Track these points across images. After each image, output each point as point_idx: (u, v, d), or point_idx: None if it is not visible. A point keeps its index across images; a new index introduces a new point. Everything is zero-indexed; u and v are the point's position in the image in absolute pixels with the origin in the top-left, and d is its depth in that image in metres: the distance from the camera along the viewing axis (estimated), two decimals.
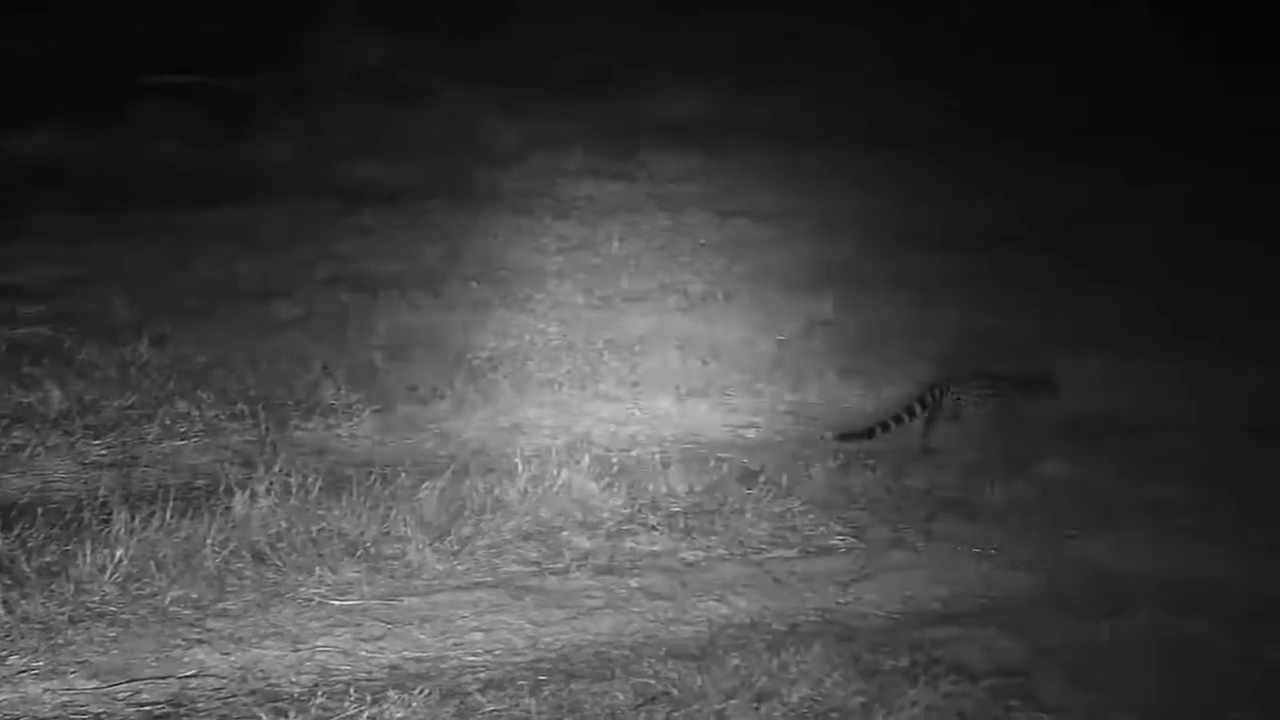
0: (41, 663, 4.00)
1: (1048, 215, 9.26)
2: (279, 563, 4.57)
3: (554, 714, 3.89)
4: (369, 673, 4.06)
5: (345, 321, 6.90)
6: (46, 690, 3.88)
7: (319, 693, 3.92)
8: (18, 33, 11.18)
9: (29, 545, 4.50)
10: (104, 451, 5.38)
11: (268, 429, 5.58)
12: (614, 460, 5.41)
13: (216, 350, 6.33)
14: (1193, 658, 4.34)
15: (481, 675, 4.07)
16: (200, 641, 4.16)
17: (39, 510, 4.71)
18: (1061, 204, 9.54)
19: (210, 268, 7.63)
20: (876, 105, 11.70)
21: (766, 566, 4.83)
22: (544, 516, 4.98)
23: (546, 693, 3.97)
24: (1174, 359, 6.81)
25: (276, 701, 3.88)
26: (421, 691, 3.92)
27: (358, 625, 4.30)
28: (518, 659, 4.18)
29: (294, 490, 4.89)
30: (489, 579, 4.63)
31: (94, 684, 3.93)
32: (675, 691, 3.99)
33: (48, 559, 4.46)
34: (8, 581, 4.33)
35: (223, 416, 5.70)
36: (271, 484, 4.90)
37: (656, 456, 5.50)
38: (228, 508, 4.77)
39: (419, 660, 4.14)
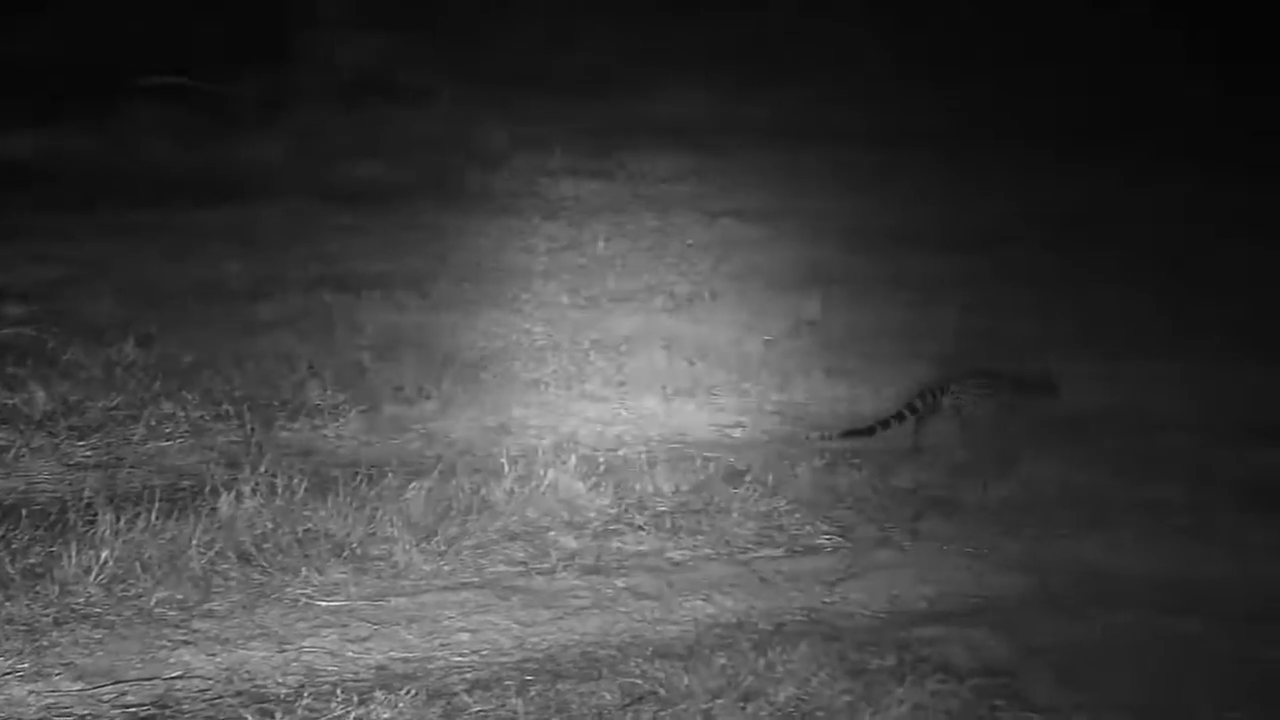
0: (26, 665, 3.99)
1: (1047, 215, 9.27)
2: (265, 563, 4.56)
3: (541, 714, 3.89)
4: (355, 673, 4.05)
5: (332, 322, 6.89)
6: (31, 692, 3.87)
7: (305, 693, 3.91)
8: (9, 32, 11.14)
9: (13, 547, 4.49)
10: (89, 453, 5.37)
11: (253, 429, 5.57)
12: (600, 460, 5.41)
13: (202, 351, 6.31)
14: (1187, 657, 4.34)
15: (468, 675, 4.06)
16: (186, 643, 4.15)
17: (23, 512, 4.69)
18: (1061, 204, 9.55)
19: (196, 268, 7.61)
20: (876, 105, 11.70)
21: (753, 566, 4.83)
22: (530, 516, 4.98)
23: (533, 693, 3.97)
24: (1174, 359, 6.82)
25: (263, 703, 3.87)
26: (408, 692, 3.91)
27: (344, 626, 4.29)
28: (504, 659, 4.18)
29: (280, 491, 4.88)
30: (476, 579, 4.62)
31: (79, 686, 3.92)
32: (662, 691, 3.99)
33: (32, 560, 4.44)
34: None
35: (208, 417, 5.69)
36: (257, 484, 4.89)
37: (643, 456, 5.50)
38: (213, 508, 4.76)
39: (406, 661, 4.13)
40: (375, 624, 4.31)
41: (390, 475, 5.11)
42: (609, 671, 4.09)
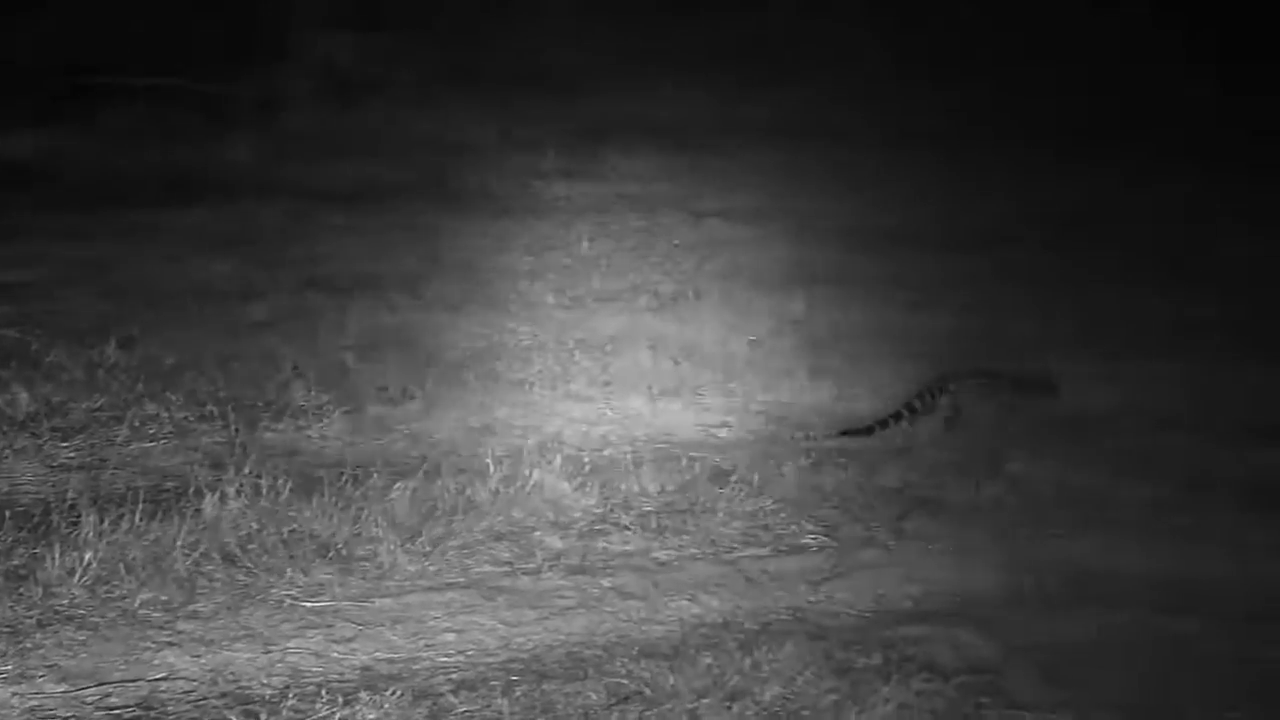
0: (10, 667, 3.97)
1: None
2: (250, 565, 4.55)
3: (526, 714, 3.89)
4: (341, 674, 4.04)
5: (316, 322, 6.87)
6: (15, 694, 3.85)
7: (290, 695, 3.90)
8: (2, 33, 11.11)
9: None
10: (72, 454, 5.35)
11: (238, 430, 5.56)
12: (586, 460, 5.40)
13: (186, 351, 6.30)
14: (1182, 657, 4.33)
15: (454, 676, 4.06)
16: (170, 644, 4.13)
17: (6, 513, 4.66)
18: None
19: (178, 269, 7.59)
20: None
21: (739, 565, 4.83)
22: (516, 517, 4.97)
23: (519, 693, 3.96)
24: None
25: (248, 704, 3.86)
26: (393, 693, 3.90)
27: (329, 627, 4.28)
28: (490, 659, 4.17)
29: (264, 492, 4.87)
30: (461, 580, 4.62)
31: (63, 688, 3.90)
32: (648, 691, 3.98)
33: (15, 562, 4.42)
34: None
35: (192, 418, 5.67)
36: (242, 486, 4.88)
37: (628, 456, 5.50)
38: (198, 510, 4.74)
39: (391, 661, 4.13)
40: (360, 625, 4.30)
41: (375, 476, 5.10)
42: (595, 671, 4.08)
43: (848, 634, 4.37)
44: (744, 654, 4.17)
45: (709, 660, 4.14)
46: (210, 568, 4.51)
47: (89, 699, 3.86)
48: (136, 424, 5.57)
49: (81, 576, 4.36)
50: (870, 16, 13.09)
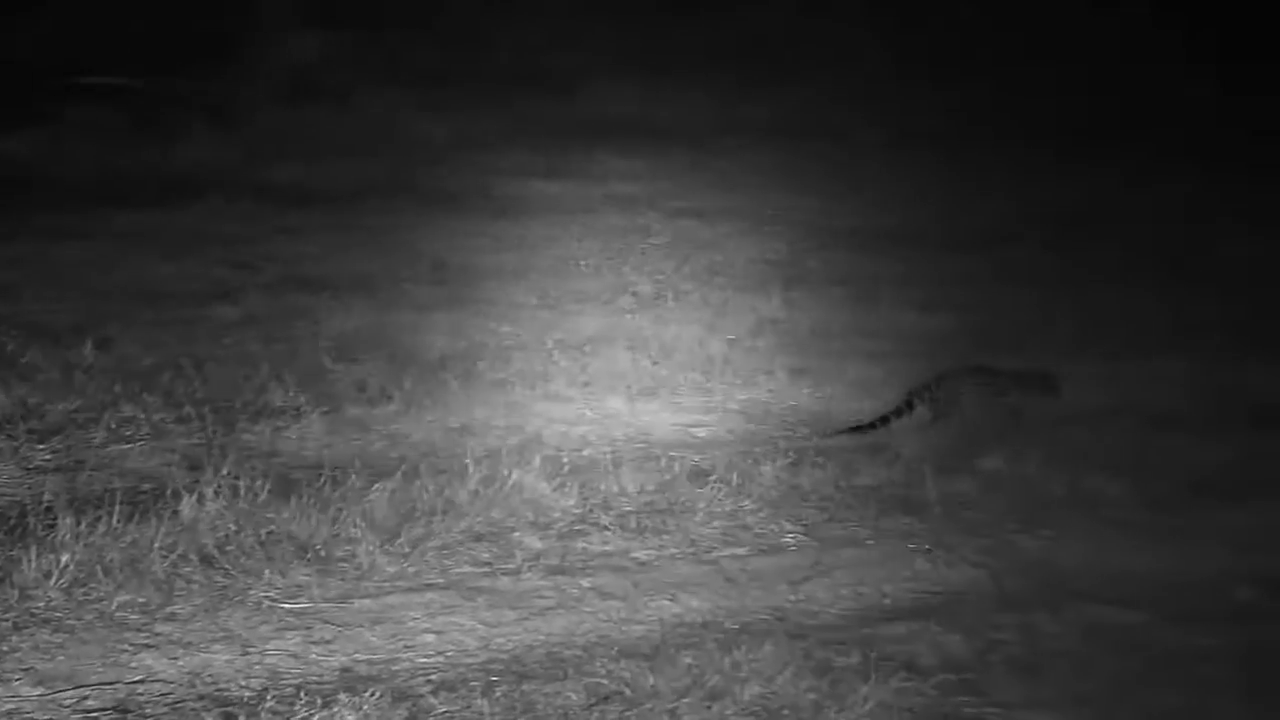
0: None
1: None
2: (228, 566, 4.53)
3: (506, 715, 3.88)
4: (319, 676, 4.03)
5: (293, 323, 6.85)
6: None
7: (269, 696, 3.89)
8: None
9: None
10: (48, 456, 5.32)
11: (215, 432, 5.53)
12: (565, 460, 5.40)
13: (162, 353, 6.27)
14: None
15: (433, 677, 4.05)
16: (148, 646, 4.12)
17: None
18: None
19: (154, 270, 7.56)
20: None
21: (718, 565, 4.83)
22: (495, 517, 4.97)
23: (499, 694, 3.96)
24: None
25: (226, 706, 3.85)
26: (373, 694, 3.89)
27: (308, 628, 4.27)
28: (470, 660, 4.16)
29: (242, 493, 4.85)
30: (440, 580, 4.61)
31: (39, 691, 3.88)
32: (628, 691, 3.98)
33: None
34: None
35: (169, 420, 5.64)
36: (219, 487, 4.86)
37: (608, 456, 5.50)
38: (175, 511, 4.72)
39: (370, 663, 4.12)
40: (339, 626, 4.29)
41: (353, 477, 5.08)
42: (575, 672, 4.08)
43: (827, 633, 4.38)
44: (724, 653, 4.17)
45: (689, 660, 4.14)
46: (188, 570, 4.49)
47: (66, 702, 3.84)
48: (113, 425, 5.55)
49: (58, 579, 4.34)
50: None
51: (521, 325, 7.10)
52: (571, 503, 5.11)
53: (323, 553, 4.66)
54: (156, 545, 4.51)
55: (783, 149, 10.69)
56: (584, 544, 4.91)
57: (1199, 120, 11.54)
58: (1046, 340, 6.91)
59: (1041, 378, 5.98)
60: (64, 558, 4.39)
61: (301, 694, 3.90)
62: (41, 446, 5.38)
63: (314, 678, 4.01)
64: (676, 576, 4.74)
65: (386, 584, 4.55)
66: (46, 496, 4.82)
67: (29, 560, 4.37)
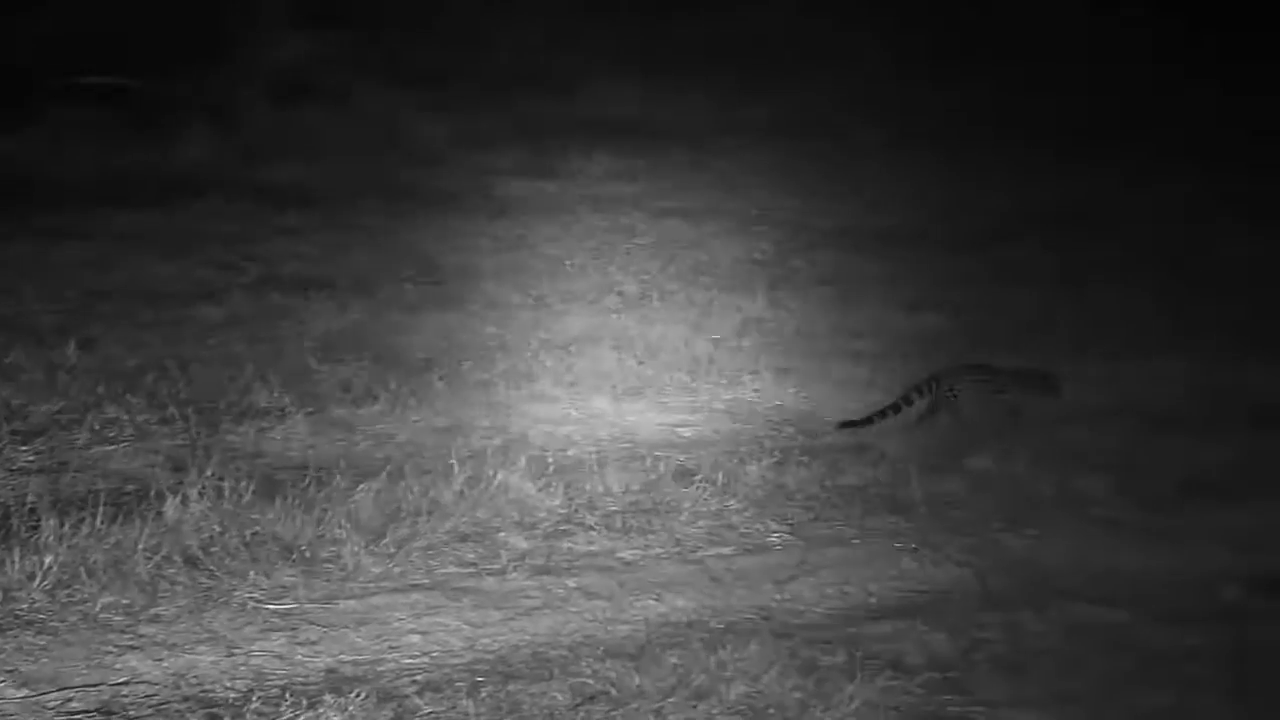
0: None
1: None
2: (212, 567, 4.52)
3: (492, 715, 3.88)
4: (305, 677, 4.02)
5: (277, 324, 6.84)
6: None
7: (254, 698, 3.88)
8: None
9: None
10: (32, 457, 5.30)
11: (199, 433, 5.52)
12: (550, 460, 5.39)
13: (146, 354, 6.26)
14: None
15: (419, 677, 4.05)
16: (132, 648, 4.11)
17: None
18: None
19: (138, 271, 7.53)
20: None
21: (704, 564, 4.84)
22: (481, 517, 4.96)
23: (484, 694, 3.95)
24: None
25: (211, 707, 3.84)
26: (358, 695, 3.89)
27: (293, 629, 4.26)
28: (455, 661, 4.16)
29: (226, 494, 4.84)
30: (426, 581, 4.60)
31: (23, 693, 3.87)
32: (613, 691, 3.98)
33: None
34: None
35: (153, 421, 5.62)
36: (204, 488, 4.85)
37: (593, 456, 5.50)
38: (159, 512, 4.71)
39: (355, 663, 4.11)
40: (324, 627, 4.29)
41: (338, 477, 5.07)
42: (560, 672, 4.08)
43: (813, 632, 4.39)
44: (709, 653, 4.17)
45: (674, 659, 4.14)
46: (172, 571, 4.48)
47: (50, 704, 3.83)
48: (97, 427, 5.53)
49: (42, 580, 4.32)
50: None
51: (506, 325, 7.09)
52: (557, 503, 5.11)
53: (308, 554, 4.65)
54: (140, 547, 4.50)
55: (782, 149, 10.68)
56: (569, 544, 4.91)
57: (1199, 120, 11.54)
58: (1046, 340, 6.92)
59: (1042, 377, 5.99)
60: (47, 559, 4.38)
61: (287, 695, 3.89)
62: (25, 448, 5.36)
63: (299, 679, 4.01)
64: (662, 576, 4.74)
65: (372, 585, 4.55)
66: (30, 498, 4.81)
67: (12, 562, 4.35)
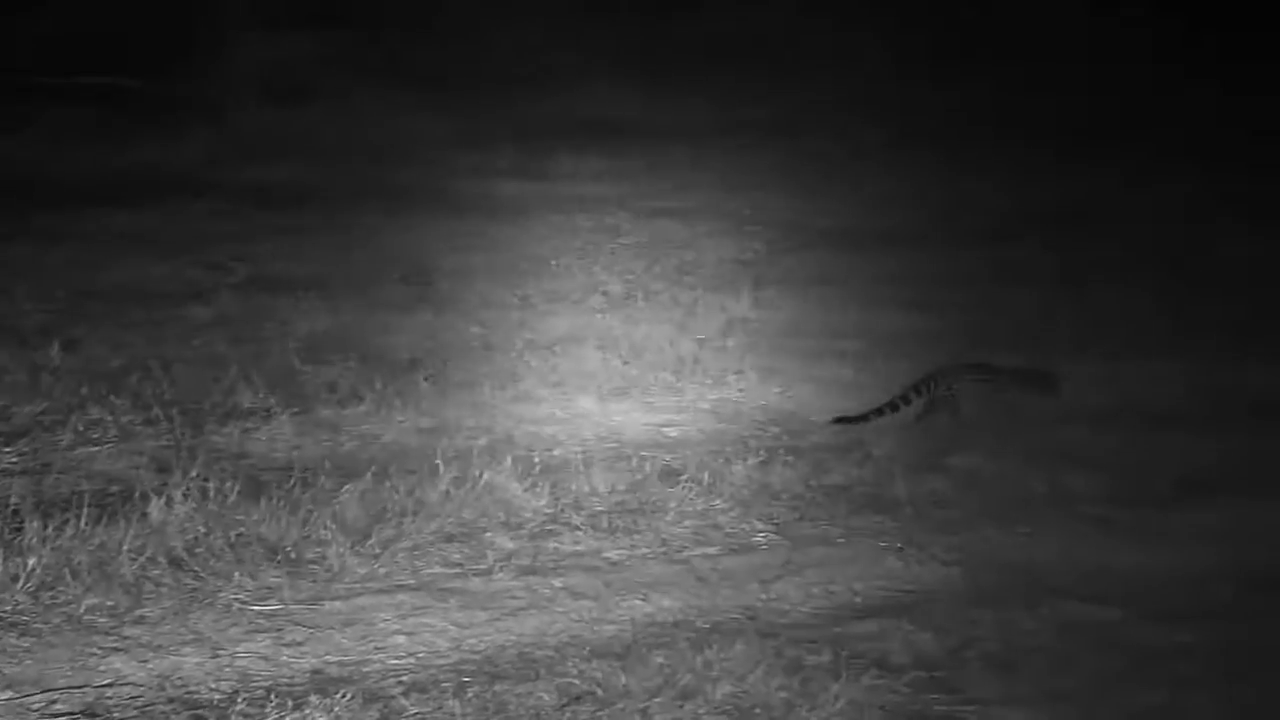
0: None
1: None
2: (197, 568, 4.51)
3: (478, 716, 3.87)
4: (290, 678, 4.01)
5: (262, 324, 6.82)
6: None
7: (239, 699, 3.87)
8: None
9: None
10: (15, 459, 5.28)
11: (184, 434, 5.50)
12: (536, 461, 5.38)
13: (130, 354, 6.24)
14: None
15: (405, 678, 4.04)
16: (117, 650, 4.09)
17: None
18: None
19: (122, 271, 7.52)
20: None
21: (690, 564, 4.83)
22: (466, 518, 4.96)
23: (470, 694, 3.95)
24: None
25: (196, 709, 3.83)
26: (344, 696, 3.88)
27: (278, 630, 4.25)
28: (441, 661, 4.15)
29: (211, 495, 4.83)
30: (411, 581, 4.60)
31: (7, 695, 3.85)
32: (599, 691, 3.98)
33: None
34: None
35: (137, 421, 5.61)
36: (188, 489, 4.83)
37: (579, 456, 5.50)
38: (144, 514, 4.69)
39: (341, 664, 4.10)
40: (310, 628, 4.27)
41: (324, 478, 5.06)
42: (546, 672, 4.07)
43: (798, 631, 4.38)
44: (695, 653, 4.17)
45: (661, 659, 4.13)
46: (157, 572, 4.47)
47: (34, 706, 3.81)
48: (81, 428, 5.51)
49: (25, 582, 4.31)
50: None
51: (492, 326, 7.08)
52: (543, 503, 5.11)
53: (293, 554, 4.64)
54: (125, 548, 4.49)
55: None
56: (555, 544, 4.90)
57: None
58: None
59: (1042, 376, 5.99)
60: (31, 561, 4.36)
61: (272, 696, 3.88)
62: (8, 449, 5.34)
63: (285, 680, 3.99)
64: (648, 576, 4.73)
65: (357, 585, 4.54)
66: (13, 499, 4.79)
67: None
